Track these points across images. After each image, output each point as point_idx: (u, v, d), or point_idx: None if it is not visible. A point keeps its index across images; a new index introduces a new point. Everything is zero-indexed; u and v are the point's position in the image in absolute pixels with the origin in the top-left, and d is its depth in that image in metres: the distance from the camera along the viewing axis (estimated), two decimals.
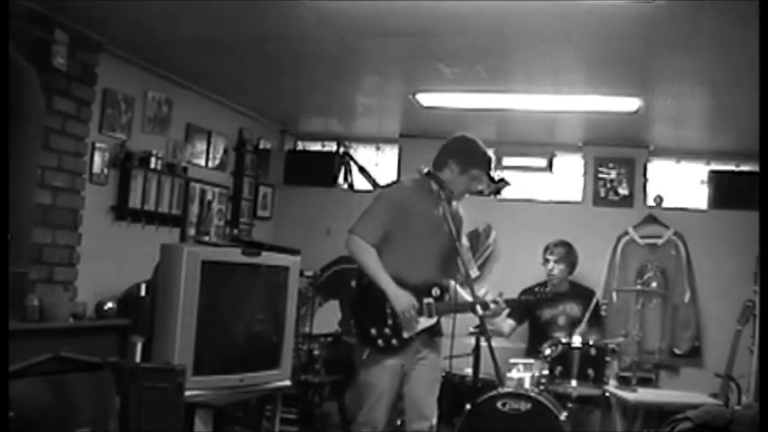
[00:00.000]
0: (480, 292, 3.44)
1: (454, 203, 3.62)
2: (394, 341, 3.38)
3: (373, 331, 3.38)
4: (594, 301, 5.39)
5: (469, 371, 4.17)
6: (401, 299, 3.34)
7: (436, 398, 3.55)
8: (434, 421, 3.50)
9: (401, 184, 3.75)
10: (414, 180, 3.55)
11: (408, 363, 3.44)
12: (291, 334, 4.71)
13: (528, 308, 5.27)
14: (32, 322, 3.69)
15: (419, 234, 3.45)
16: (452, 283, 3.63)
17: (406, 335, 3.38)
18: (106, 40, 4.24)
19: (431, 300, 3.45)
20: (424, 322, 3.43)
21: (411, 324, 3.37)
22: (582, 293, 5.42)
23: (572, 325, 5.22)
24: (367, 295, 3.41)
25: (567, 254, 5.35)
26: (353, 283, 3.55)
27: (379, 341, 3.37)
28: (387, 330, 3.38)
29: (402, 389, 3.47)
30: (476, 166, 3.49)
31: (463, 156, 3.49)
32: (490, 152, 3.57)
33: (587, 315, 5.16)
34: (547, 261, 5.36)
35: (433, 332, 3.49)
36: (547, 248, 5.40)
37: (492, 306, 3.49)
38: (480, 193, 6.34)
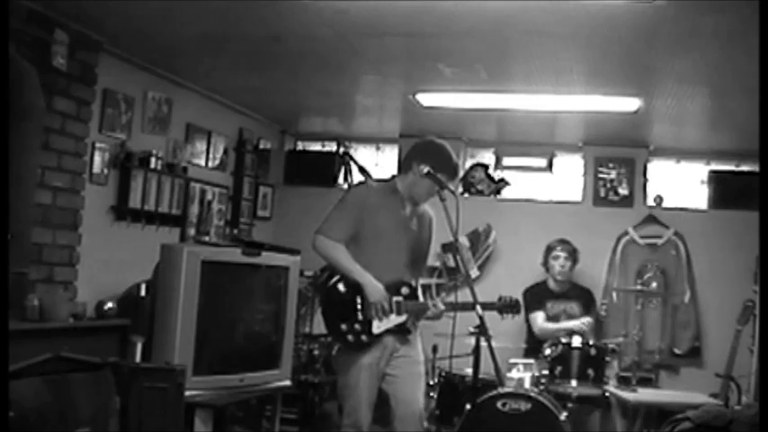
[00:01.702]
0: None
1: (422, 205, 3.64)
2: (364, 337, 3.39)
3: (343, 327, 3.40)
4: (593, 302, 5.42)
5: (469, 371, 4.18)
6: (377, 288, 3.37)
7: (422, 394, 3.54)
8: (423, 417, 3.49)
9: (367, 185, 3.77)
10: (379, 182, 3.59)
11: (384, 361, 3.44)
12: (291, 334, 4.72)
13: (531, 307, 5.26)
14: (32, 322, 3.69)
15: (386, 234, 3.47)
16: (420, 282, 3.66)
17: (376, 330, 3.40)
18: (106, 40, 4.24)
19: (400, 298, 3.45)
20: (394, 320, 3.43)
21: (383, 315, 3.38)
22: (582, 294, 5.44)
23: None
24: (336, 294, 3.43)
25: (572, 251, 5.37)
26: (315, 288, 3.55)
27: (349, 336, 3.39)
28: (357, 326, 3.39)
29: (386, 390, 3.46)
30: (439, 170, 3.46)
31: (427, 159, 3.47)
32: (456, 158, 3.57)
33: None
34: (556, 258, 5.35)
35: (405, 330, 3.49)
36: (551, 248, 5.39)
37: (432, 309, 3.48)
38: (480, 193, 6.37)
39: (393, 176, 3.62)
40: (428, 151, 3.52)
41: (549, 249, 5.40)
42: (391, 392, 3.46)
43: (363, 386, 3.39)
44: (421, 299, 3.57)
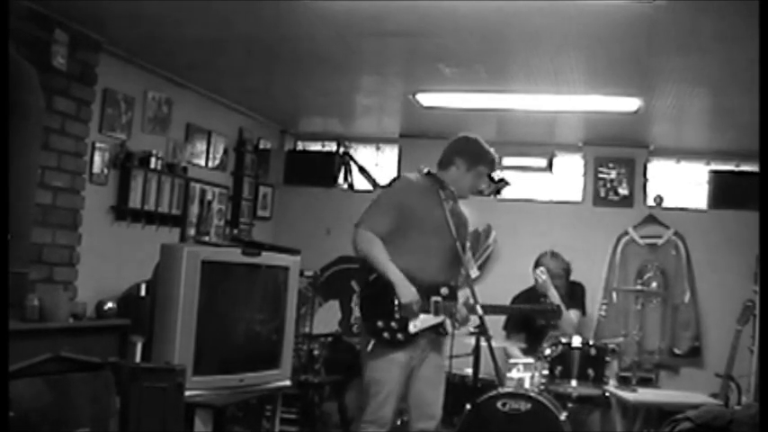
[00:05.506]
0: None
1: (460, 205, 3.63)
2: (399, 335, 3.34)
3: (380, 323, 3.35)
4: (583, 293, 5.26)
5: (469, 371, 4.17)
6: (409, 289, 3.32)
7: (441, 400, 3.52)
8: (439, 422, 3.49)
9: (408, 180, 3.63)
10: (419, 177, 3.53)
11: (415, 361, 3.42)
12: (291, 334, 4.71)
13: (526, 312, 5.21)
14: (32, 322, 3.69)
15: (425, 231, 3.42)
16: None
17: (412, 329, 3.35)
18: (106, 40, 4.24)
19: (439, 298, 3.40)
20: (431, 320, 3.39)
21: (414, 315, 3.34)
22: (575, 290, 5.36)
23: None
24: (376, 289, 3.37)
25: (563, 271, 5.12)
26: (355, 280, 3.52)
27: (385, 334, 3.34)
28: (393, 324, 3.34)
29: (408, 387, 3.44)
30: (482, 164, 3.54)
31: (470, 154, 3.52)
32: (493, 152, 3.59)
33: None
34: (541, 281, 4.97)
35: (439, 332, 3.46)
36: (538, 264, 5.11)
37: (461, 313, 3.44)
38: (480, 193, 6.36)
39: (428, 173, 3.52)
40: (468, 146, 3.56)
41: (536, 265, 5.12)
42: (412, 392, 3.45)
43: (394, 384, 3.36)
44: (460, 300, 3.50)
